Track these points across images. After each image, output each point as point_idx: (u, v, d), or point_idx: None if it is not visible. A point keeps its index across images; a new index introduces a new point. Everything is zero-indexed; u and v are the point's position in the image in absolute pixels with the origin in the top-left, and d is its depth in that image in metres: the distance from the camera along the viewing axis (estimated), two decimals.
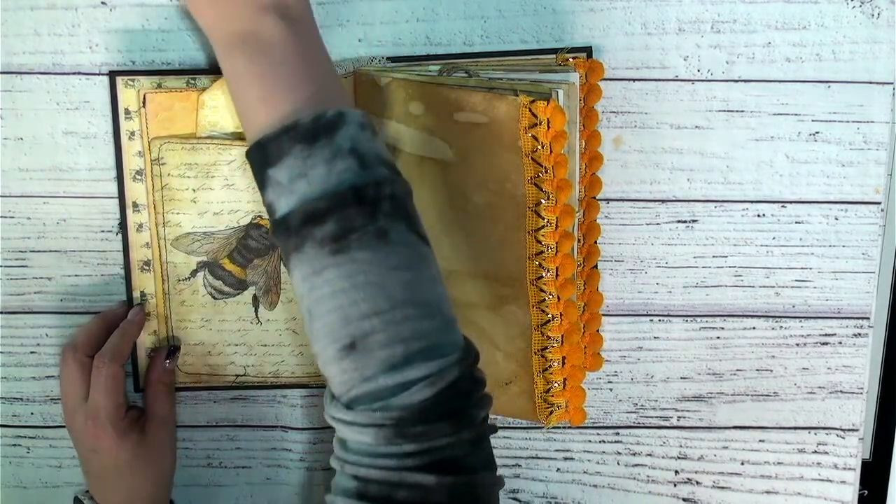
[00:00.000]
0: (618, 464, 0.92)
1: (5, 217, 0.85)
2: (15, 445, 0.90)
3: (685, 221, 0.87)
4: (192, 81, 0.81)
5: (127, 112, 0.82)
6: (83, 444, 0.82)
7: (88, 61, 0.82)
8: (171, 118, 0.80)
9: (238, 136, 0.81)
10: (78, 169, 0.84)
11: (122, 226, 0.84)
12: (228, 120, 0.80)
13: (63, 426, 0.89)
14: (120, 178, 0.83)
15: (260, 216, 0.83)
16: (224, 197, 0.82)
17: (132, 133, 0.82)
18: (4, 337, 0.87)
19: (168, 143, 0.79)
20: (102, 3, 0.81)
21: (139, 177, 0.83)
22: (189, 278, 0.83)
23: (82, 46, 0.82)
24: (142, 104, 0.79)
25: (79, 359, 0.81)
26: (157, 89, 0.80)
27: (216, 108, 0.80)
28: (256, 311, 0.85)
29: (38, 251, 0.86)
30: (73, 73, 0.83)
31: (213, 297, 0.84)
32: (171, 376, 0.86)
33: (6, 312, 0.87)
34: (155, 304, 0.85)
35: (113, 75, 0.82)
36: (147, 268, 0.85)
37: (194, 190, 0.81)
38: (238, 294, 0.84)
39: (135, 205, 0.84)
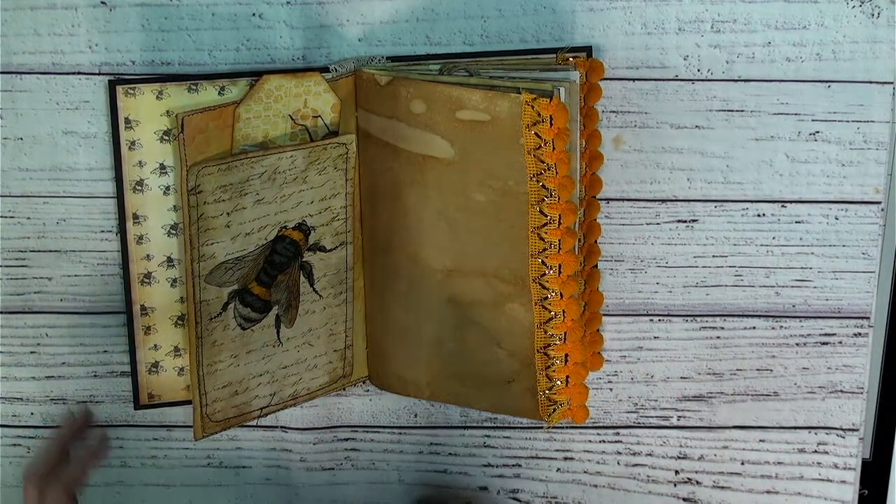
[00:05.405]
0: (618, 464, 0.92)
1: (5, 217, 0.85)
2: (15, 445, 0.90)
3: (685, 221, 0.87)
4: (194, 87, 0.81)
5: (127, 121, 0.82)
6: None
7: (88, 61, 0.82)
8: (206, 140, 0.78)
9: (267, 146, 0.80)
10: (78, 169, 0.84)
11: (122, 239, 0.84)
12: (259, 130, 0.80)
13: None
14: (119, 190, 0.83)
15: (285, 227, 0.83)
16: (255, 214, 0.81)
17: (132, 143, 0.82)
18: (4, 337, 0.87)
19: (205, 167, 0.77)
20: (102, 3, 0.81)
21: (139, 188, 0.83)
22: (220, 314, 0.82)
23: (82, 46, 0.82)
24: (179, 129, 0.77)
25: (36, 484, 0.78)
26: (192, 111, 0.78)
27: (249, 119, 0.79)
28: (278, 331, 0.85)
29: (38, 251, 0.86)
30: (73, 74, 0.83)
31: (242, 328, 0.83)
32: None
33: (6, 312, 0.87)
34: (187, 354, 0.85)
35: (113, 85, 0.81)
36: (147, 280, 0.85)
37: (228, 214, 0.80)
38: (263, 317, 0.84)
39: (135, 216, 0.83)
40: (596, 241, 0.85)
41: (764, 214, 0.86)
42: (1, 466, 0.90)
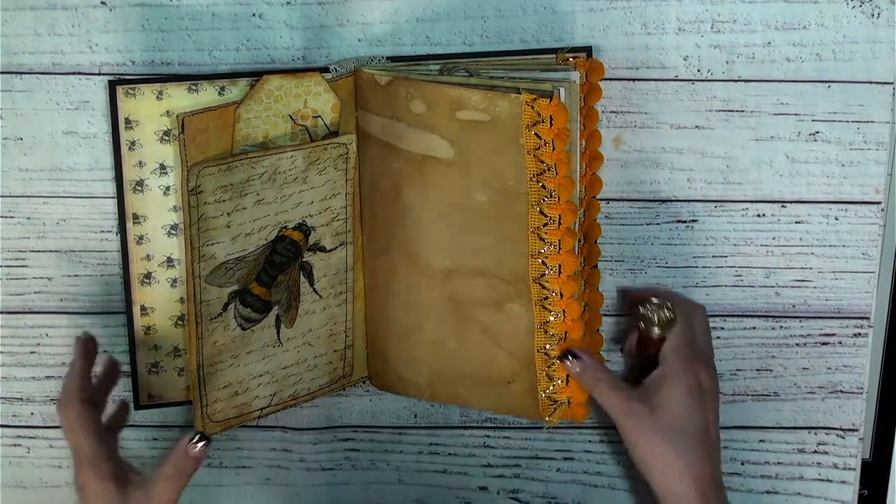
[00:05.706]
0: (618, 464, 0.92)
1: (5, 217, 0.85)
2: (15, 445, 0.90)
3: (685, 221, 0.87)
4: (195, 88, 0.81)
5: (127, 122, 0.82)
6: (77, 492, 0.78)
7: (88, 61, 0.82)
8: (206, 140, 0.78)
9: (267, 146, 0.80)
10: (78, 169, 0.84)
11: (122, 239, 0.84)
12: (259, 130, 0.80)
13: None
14: (119, 190, 0.83)
15: (285, 227, 0.83)
16: (256, 214, 0.80)
17: (132, 143, 0.82)
18: (4, 337, 0.87)
19: (206, 167, 0.77)
20: (102, 3, 0.82)
21: (139, 188, 0.83)
22: (221, 314, 0.82)
23: (82, 46, 0.82)
24: (180, 129, 0.77)
25: (62, 405, 0.78)
26: (193, 112, 0.77)
27: (249, 119, 0.79)
28: (279, 332, 0.85)
29: (38, 251, 0.86)
30: (73, 74, 0.83)
31: (242, 328, 0.83)
32: (194, 465, 0.78)
33: (6, 312, 0.87)
34: (187, 356, 0.85)
35: (113, 85, 0.81)
36: (147, 280, 0.85)
37: (228, 214, 0.79)
38: (264, 318, 0.84)
39: (135, 216, 0.83)
40: (596, 242, 0.85)
41: (764, 214, 0.86)
42: (1, 466, 0.90)
